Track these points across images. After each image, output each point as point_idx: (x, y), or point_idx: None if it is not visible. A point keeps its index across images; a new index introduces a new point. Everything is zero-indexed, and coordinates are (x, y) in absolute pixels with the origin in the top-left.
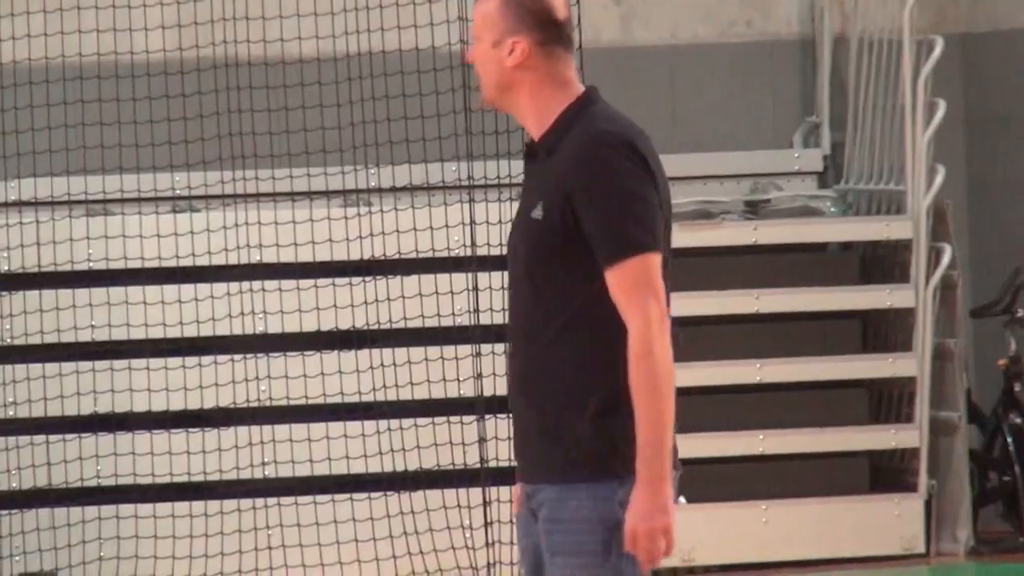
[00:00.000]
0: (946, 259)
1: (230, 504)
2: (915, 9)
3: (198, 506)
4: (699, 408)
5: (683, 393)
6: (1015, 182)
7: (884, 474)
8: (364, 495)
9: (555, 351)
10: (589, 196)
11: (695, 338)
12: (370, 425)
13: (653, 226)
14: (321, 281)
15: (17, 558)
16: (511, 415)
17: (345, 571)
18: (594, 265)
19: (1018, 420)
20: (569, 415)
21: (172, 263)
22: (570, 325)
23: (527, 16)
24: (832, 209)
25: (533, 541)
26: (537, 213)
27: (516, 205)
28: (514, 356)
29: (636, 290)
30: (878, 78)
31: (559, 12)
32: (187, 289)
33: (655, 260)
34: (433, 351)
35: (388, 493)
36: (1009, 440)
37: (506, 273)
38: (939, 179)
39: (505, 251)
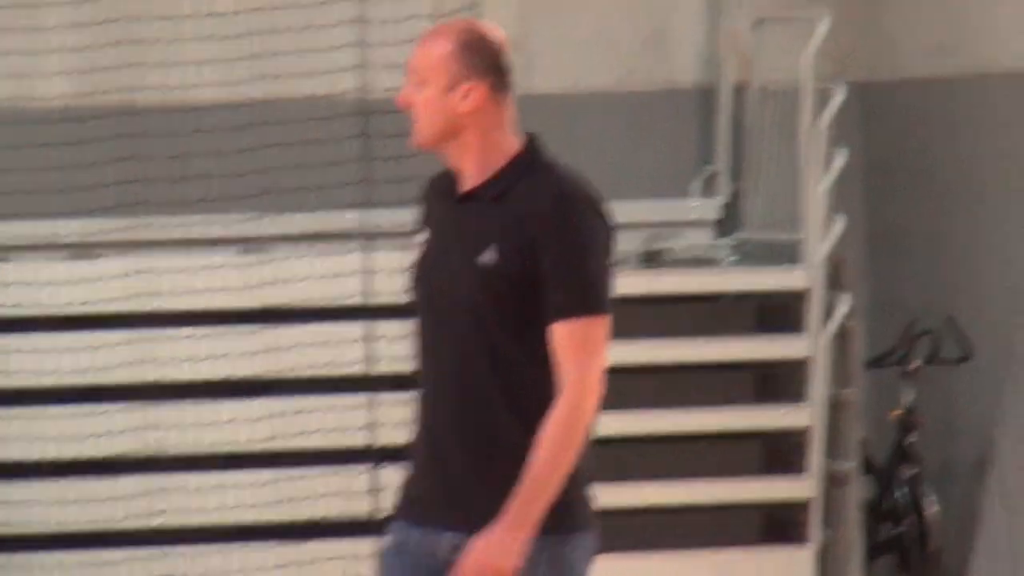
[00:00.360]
0: (842, 309)
1: (124, 553)
2: (816, 57)
3: (93, 555)
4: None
5: None
6: (914, 232)
7: (777, 525)
8: (258, 544)
9: (505, 401)
10: (558, 249)
11: None
12: (265, 474)
13: (609, 291)
14: (218, 329)
15: None
16: (429, 460)
17: None
18: (543, 316)
19: (911, 471)
20: (521, 466)
21: (70, 310)
22: (523, 375)
23: (481, 61)
24: (729, 259)
25: None
26: (489, 258)
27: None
28: (439, 402)
29: (584, 348)
30: (778, 127)
31: (507, 56)
32: (84, 337)
33: (606, 324)
34: (328, 400)
35: (281, 543)
36: (902, 492)
37: (404, 322)
38: (837, 229)
39: (403, 299)
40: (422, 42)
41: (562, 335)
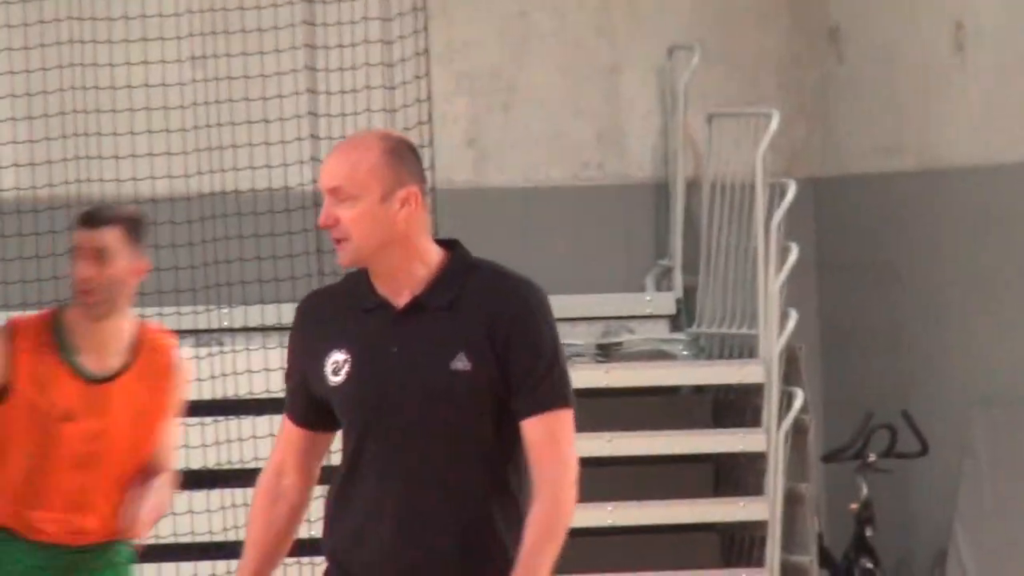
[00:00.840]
0: (798, 403)
1: None
2: (768, 153)
3: None
4: None
5: None
6: (867, 326)
7: None
8: None
9: (490, 504)
10: (530, 347)
11: None
12: (222, 565)
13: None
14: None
15: None
16: (402, 563)
17: None
18: (511, 414)
19: (869, 564)
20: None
21: None
22: (501, 469)
23: (412, 163)
24: (684, 352)
25: None
26: (462, 364)
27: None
28: (413, 510)
29: (566, 438)
30: (731, 221)
31: None
32: None
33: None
34: None
35: None
36: None
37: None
38: (791, 323)
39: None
40: (338, 158)
41: (539, 429)
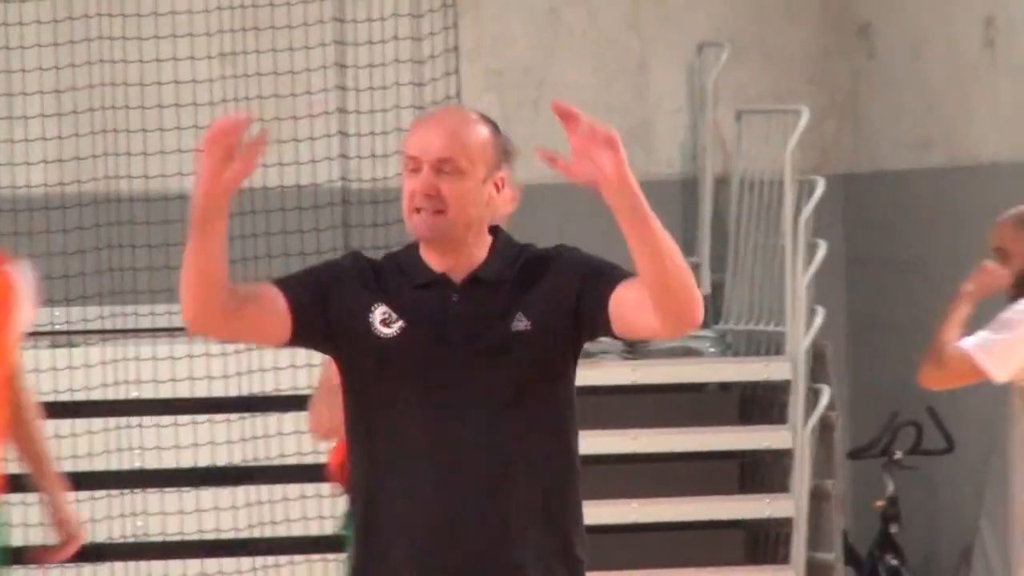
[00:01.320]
0: (824, 400)
1: None
2: (797, 149)
3: None
4: None
5: None
6: (894, 324)
7: None
8: None
9: (547, 471)
10: (590, 265)
11: None
12: (246, 562)
13: None
14: (199, 417)
15: None
16: (446, 534)
17: None
18: (570, 376)
19: (894, 562)
20: (573, 535)
21: (51, 398)
22: (555, 443)
23: (505, 149)
24: (711, 349)
25: None
26: (522, 324)
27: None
28: (463, 475)
29: None
30: (759, 218)
31: None
32: (65, 424)
33: None
34: (310, 488)
35: None
36: None
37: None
38: (818, 320)
39: None
40: (448, 129)
41: (633, 285)
